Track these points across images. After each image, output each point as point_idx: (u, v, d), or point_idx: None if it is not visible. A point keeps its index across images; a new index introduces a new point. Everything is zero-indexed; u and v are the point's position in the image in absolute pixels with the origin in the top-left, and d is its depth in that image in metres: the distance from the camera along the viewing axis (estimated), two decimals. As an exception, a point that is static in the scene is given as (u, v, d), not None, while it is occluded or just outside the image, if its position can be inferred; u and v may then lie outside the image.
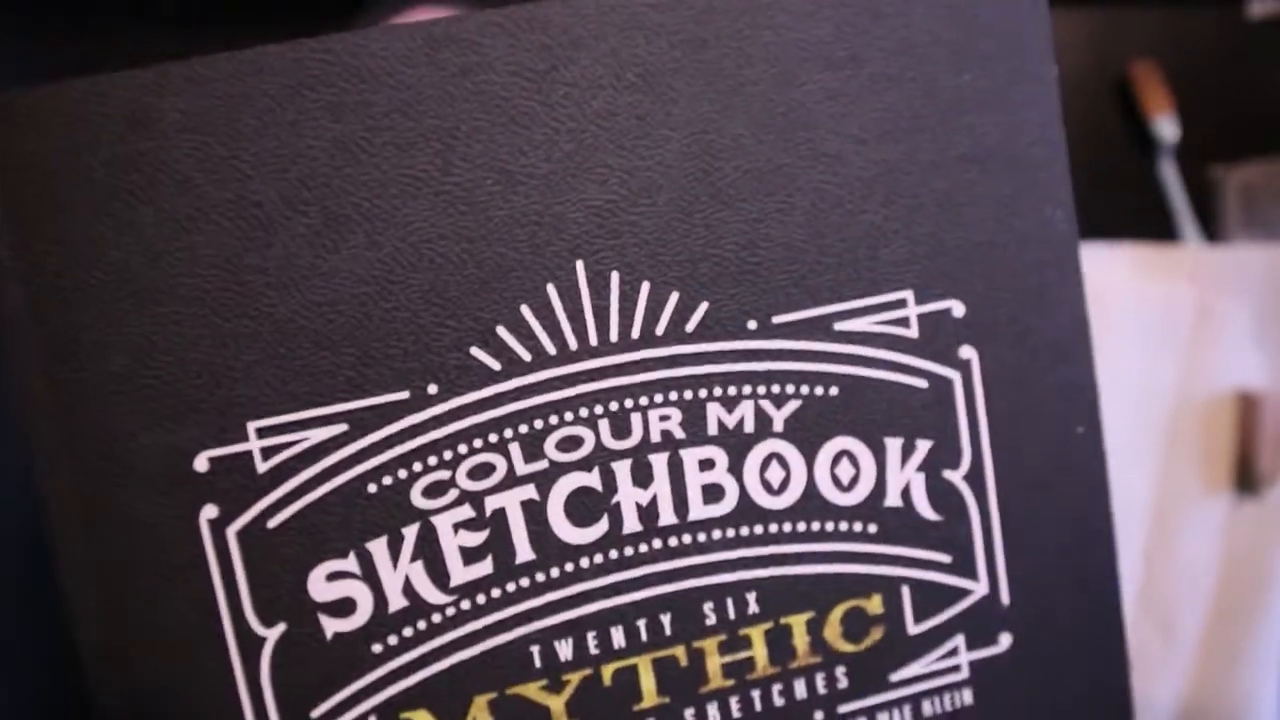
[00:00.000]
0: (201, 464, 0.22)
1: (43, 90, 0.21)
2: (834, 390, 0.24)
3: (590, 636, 0.24)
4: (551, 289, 0.23)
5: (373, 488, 0.23)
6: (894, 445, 0.25)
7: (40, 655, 0.53)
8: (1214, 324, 0.53)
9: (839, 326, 0.24)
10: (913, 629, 0.25)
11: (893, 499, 0.25)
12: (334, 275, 0.22)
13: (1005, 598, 0.26)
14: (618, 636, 0.24)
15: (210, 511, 0.22)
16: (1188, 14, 0.54)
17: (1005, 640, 0.26)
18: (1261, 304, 0.53)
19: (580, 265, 0.23)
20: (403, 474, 0.23)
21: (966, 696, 0.26)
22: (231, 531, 0.22)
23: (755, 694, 0.25)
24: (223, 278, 0.22)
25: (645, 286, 0.23)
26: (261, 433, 0.22)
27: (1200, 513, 0.53)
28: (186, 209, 0.22)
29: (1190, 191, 0.55)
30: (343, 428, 0.23)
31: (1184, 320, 0.53)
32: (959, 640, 0.26)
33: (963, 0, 0.24)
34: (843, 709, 0.25)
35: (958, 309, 0.25)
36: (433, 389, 0.23)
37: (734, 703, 0.25)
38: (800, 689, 0.25)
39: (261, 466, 0.22)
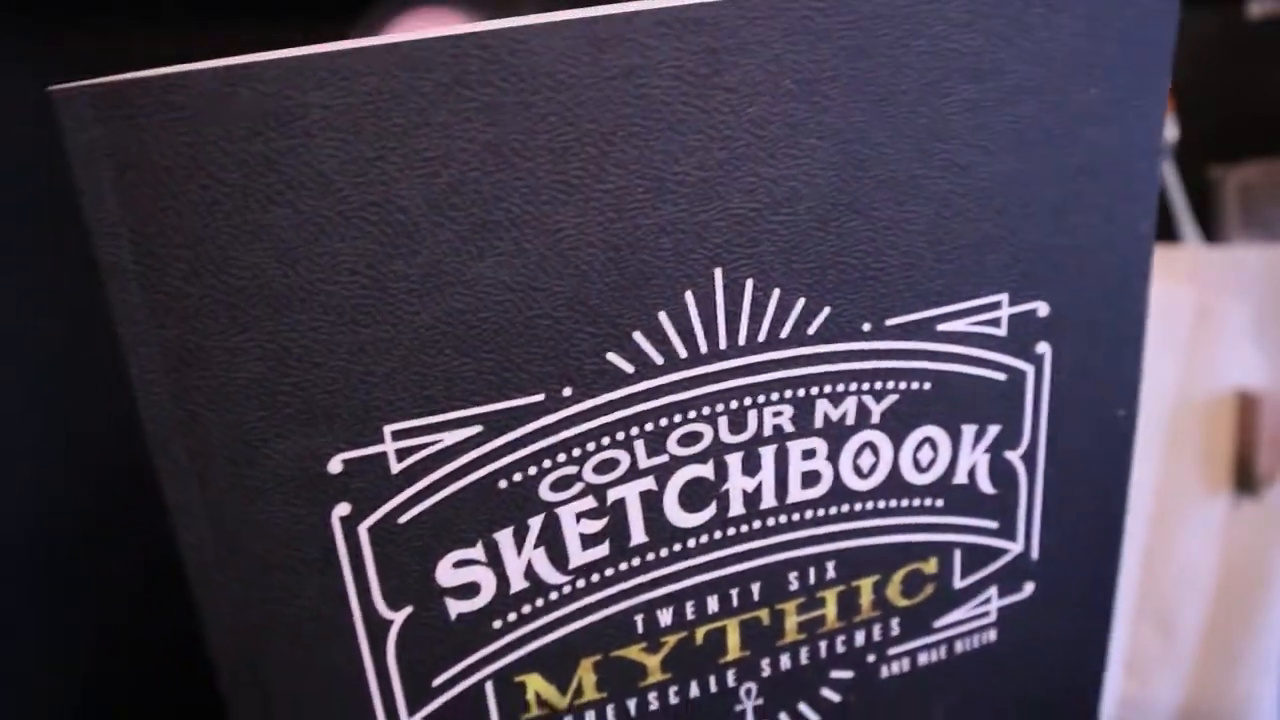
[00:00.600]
0: (335, 466, 0.22)
1: (164, 77, 0.19)
2: (927, 385, 0.26)
3: (689, 605, 0.26)
4: (689, 296, 0.23)
5: (503, 484, 0.23)
6: (969, 431, 0.27)
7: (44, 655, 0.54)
8: (1213, 324, 0.52)
9: (941, 327, 0.25)
10: (958, 584, 0.28)
11: (960, 477, 0.27)
12: (478, 282, 0.21)
13: (1035, 554, 0.29)
14: (712, 603, 0.26)
15: (343, 509, 0.22)
16: (1187, 14, 0.52)
17: (1029, 588, 0.29)
18: (1261, 304, 0.52)
19: (719, 273, 0.23)
20: (532, 470, 0.23)
21: (991, 635, 0.29)
22: (363, 528, 0.22)
23: (822, 644, 0.27)
24: (363, 284, 0.21)
25: (776, 293, 0.23)
26: (397, 435, 0.22)
27: (1200, 513, 0.52)
28: (327, 212, 0.20)
29: (1189, 191, 0.54)
30: (478, 429, 0.22)
31: (1183, 320, 0.52)
32: (993, 590, 0.29)
33: (1103, 14, 0.24)
34: (891, 652, 0.28)
35: (1042, 309, 0.26)
36: (567, 391, 0.23)
37: (803, 651, 0.27)
38: (859, 638, 0.28)
39: (395, 467, 0.22)
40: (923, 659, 0.29)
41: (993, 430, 0.27)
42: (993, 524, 0.28)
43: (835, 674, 0.28)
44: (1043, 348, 0.26)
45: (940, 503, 0.27)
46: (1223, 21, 0.54)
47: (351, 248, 0.20)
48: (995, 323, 0.26)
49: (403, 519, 0.23)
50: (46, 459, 0.54)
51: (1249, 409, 0.52)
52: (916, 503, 0.27)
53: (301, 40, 0.48)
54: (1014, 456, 0.27)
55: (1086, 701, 0.32)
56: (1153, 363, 0.49)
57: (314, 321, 0.21)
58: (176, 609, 0.51)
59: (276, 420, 0.21)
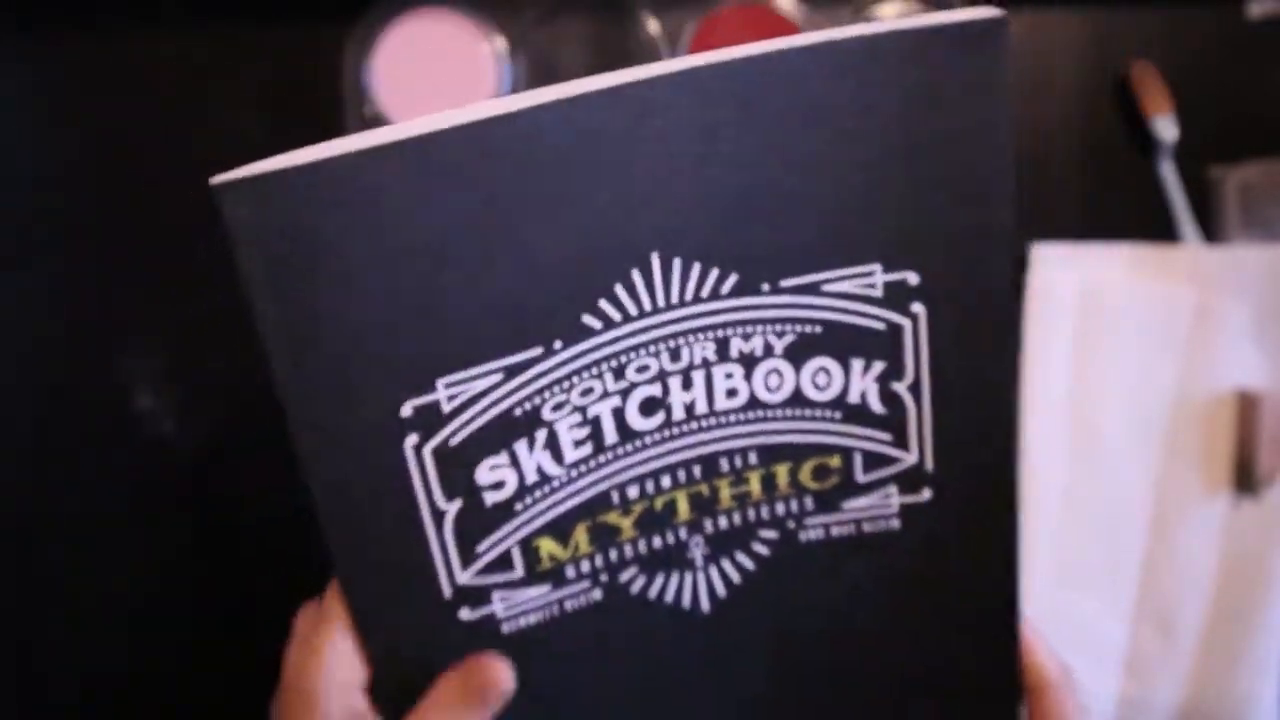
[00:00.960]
0: (407, 411, 0.32)
1: (284, 170, 0.29)
2: (819, 329, 0.36)
3: (649, 482, 0.36)
4: (635, 273, 0.33)
5: (518, 411, 0.34)
6: (857, 364, 0.36)
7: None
8: (1213, 324, 0.53)
9: (826, 287, 0.35)
10: (860, 479, 0.38)
11: (854, 398, 0.37)
12: (489, 284, 0.31)
13: (929, 466, 0.38)
14: (665, 481, 0.37)
15: (412, 440, 0.33)
16: (1187, 14, 0.55)
17: (927, 493, 0.39)
18: (1260, 304, 0.53)
19: (655, 256, 0.33)
20: (537, 400, 0.34)
21: (895, 524, 0.39)
22: (426, 450, 0.33)
23: (750, 511, 0.38)
24: (416, 293, 0.31)
25: (697, 266, 0.33)
26: (447, 385, 0.32)
27: (1200, 513, 0.53)
28: (387, 253, 0.30)
29: (1189, 192, 0.55)
30: (499, 376, 0.33)
31: (1183, 320, 0.53)
32: (893, 488, 0.38)
33: (941, 72, 0.32)
34: (807, 522, 0.39)
35: (913, 278, 0.35)
36: (558, 345, 0.33)
37: (736, 516, 0.38)
38: (780, 509, 0.38)
39: (446, 407, 0.33)
40: (835, 531, 0.39)
41: (878, 365, 0.37)
42: (886, 436, 0.38)
43: (763, 534, 0.39)
44: (917, 308, 0.36)
45: (838, 415, 0.37)
46: (1222, 22, 0.55)
47: (406, 272, 0.31)
48: (872, 286, 0.35)
49: (453, 442, 0.33)
50: (43, 460, 0.57)
51: (1249, 409, 0.53)
52: (817, 413, 0.37)
53: (300, 39, 0.51)
54: (900, 387, 0.37)
55: (1002, 624, 0.40)
56: (1152, 362, 0.53)
57: (387, 318, 0.31)
58: (175, 610, 0.58)
59: (366, 385, 0.32)
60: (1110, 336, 0.53)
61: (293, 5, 0.53)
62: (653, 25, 0.49)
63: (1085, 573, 0.54)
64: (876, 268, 0.35)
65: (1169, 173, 0.55)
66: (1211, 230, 0.55)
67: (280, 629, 0.50)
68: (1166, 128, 0.54)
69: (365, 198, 0.29)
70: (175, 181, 0.51)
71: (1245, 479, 0.53)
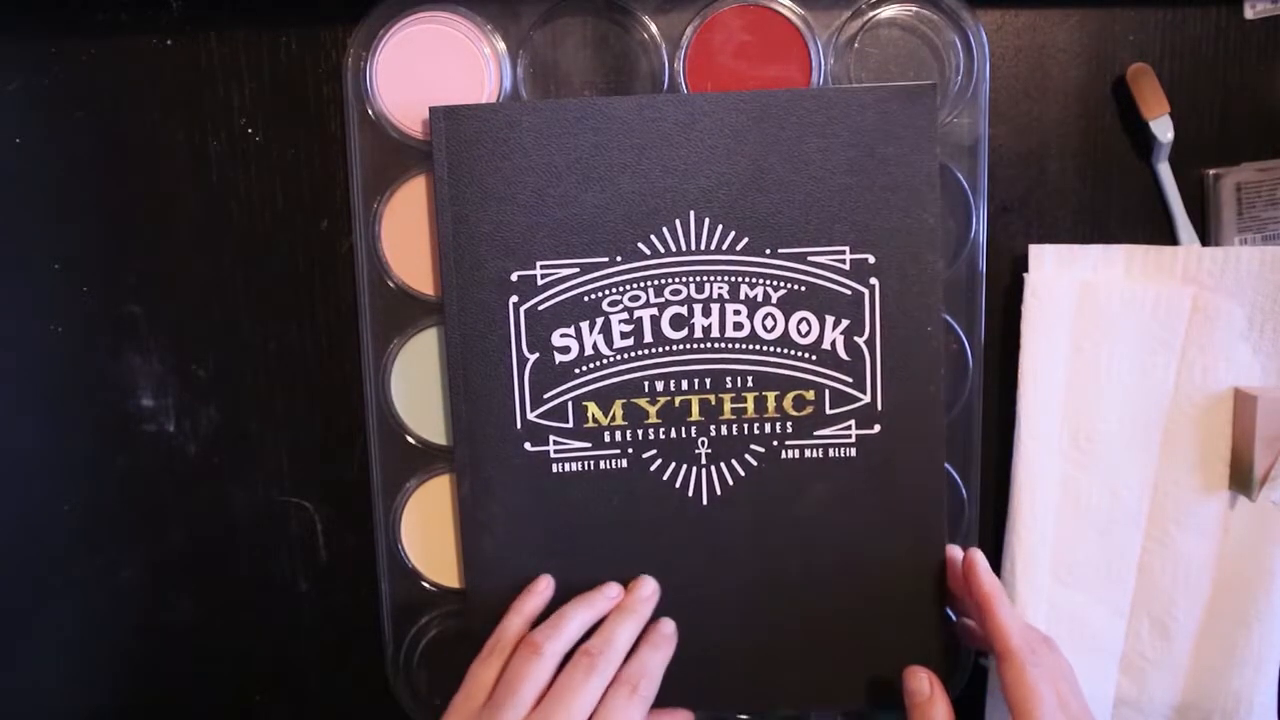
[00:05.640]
0: (514, 277, 0.50)
1: (467, 110, 0.49)
2: (803, 288, 0.51)
3: (671, 382, 0.51)
4: (677, 222, 0.50)
5: (586, 299, 0.51)
6: (830, 319, 0.51)
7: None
8: (1210, 324, 0.53)
9: (810, 258, 0.51)
10: (828, 411, 0.52)
11: (826, 345, 0.51)
12: (583, 205, 0.50)
13: (880, 405, 0.52)
14: (684, 384, 0.52)
15: (514, 299, 0.51)
16: (1184, 15, 0.55)
17: (877, 427, 0.52)
18: (1256, 303, 0.53)
19: (692, 213, 0.50)
20: (599, 294, 0.51)
21: (853, 451, 0.52)
22: (523, 309, 0.51)
23: (744, 426, 0.52)
24: (532, 205, 0.50)
25: (720, 226, 0.50)
26: (542, 266, 0.50)
27: (1196, 512, 0.54)
28: (519, 169, 0.49)
29: (1186, 192, 0.55)
30: (576, 270, 0.50)
31: (1180, 320, 0.53)
32: (852, 421, 0.52)
33: (888, 115, 0.49)
34: (787, 443, 0.52)
35: (871, 259, 0.51)
36: (619, 259, 0.50)
37: (734, 426, 0.52)
38: (767, 427, 0.52)
39: (540, 281, 0.50)
40: (807, 454, 0.52)
41: (845, 322, 0.51)
42: (849, 379, 0.52)
43: (753, 447, 0.52)
44: (874, 281, 0.51)
45: (814, 358, 0.52)
46: (1219, 23, 0.55)
47: (530, 184, 0.49)
48: (842, 261, 0.51)
49: (540, 308, 0.51)
50: (44, 460, 0.57)
51: (1245, 408, 0.53)
52: (800, 354, 0.52)
53: (300, 39, 0.53)
54: (860, 341, 0.51)
55: (931, 535, 0.53)
56: (1149, 362, 0.54)
57: (508, 217, 0.50)
58: (175, 609, 0.57)
59: (492, 255, 0.50)
60: (1107, 336, 0.54)
61: (293, 5, 0.53)
62: (653, 25, 0.52)
63: (1082, 571, 0.55)
64: (846, 249, 0.50)
65: (1166, 173, 0.55)
66: (1208, 230, 0.56)
67: (279, 629, 0.59)
68: (1163, 128, 0.54)
69: (517, 131, 0.49)
70: (176, 181, 0.55)
71: (1241, 478, 0.53)
